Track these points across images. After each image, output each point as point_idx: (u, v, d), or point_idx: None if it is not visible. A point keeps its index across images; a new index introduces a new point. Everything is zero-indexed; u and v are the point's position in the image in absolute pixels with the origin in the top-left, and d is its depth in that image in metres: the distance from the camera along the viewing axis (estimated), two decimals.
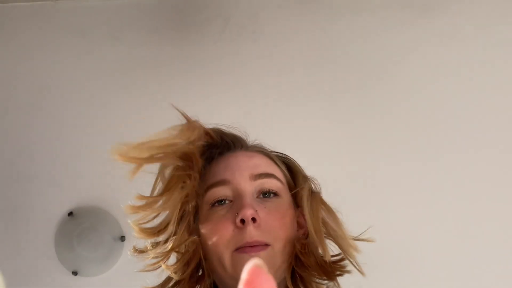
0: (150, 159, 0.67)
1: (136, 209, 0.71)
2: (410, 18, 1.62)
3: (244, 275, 0.29)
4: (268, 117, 1.59)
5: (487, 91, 1.57)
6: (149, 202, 0.72)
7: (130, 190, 1.60)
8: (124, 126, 1.61)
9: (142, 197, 0.72)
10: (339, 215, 0.76)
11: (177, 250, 0.74)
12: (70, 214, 1.57)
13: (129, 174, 0.65)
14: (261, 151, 0.82)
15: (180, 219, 0.75)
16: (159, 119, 1.63)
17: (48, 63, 1.65)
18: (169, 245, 0.74)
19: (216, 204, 0.75)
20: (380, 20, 1.62)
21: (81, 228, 1.55)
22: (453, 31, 1.61)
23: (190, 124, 0.73)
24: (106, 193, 1.57)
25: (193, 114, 1.58)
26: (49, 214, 1.57)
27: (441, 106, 1.57)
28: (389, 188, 1.53)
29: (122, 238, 1.56)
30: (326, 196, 0.80)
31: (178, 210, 0.74)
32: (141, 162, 0.66)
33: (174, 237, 0.74)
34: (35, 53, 1.66)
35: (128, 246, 1.55)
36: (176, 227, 0.74)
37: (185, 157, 0.72)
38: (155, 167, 0.74)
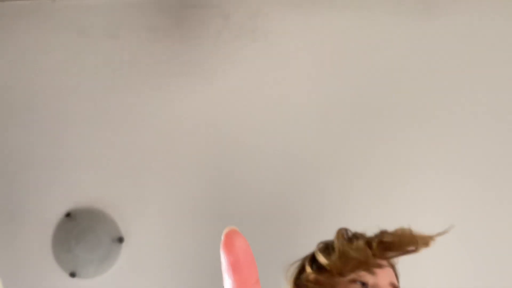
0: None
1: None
2: (412, 18, 1.61)
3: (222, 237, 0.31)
4: (268, 116, 1.58)
5: (488, 90, 1.57)
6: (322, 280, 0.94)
7: (128, 192, 1.59)
8: (123, 125, 1.60)
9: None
10: None
11: None
12: (68, 215, 1.56)
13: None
14: (393, 266, 0.99)
15: None
16: (158, 118, 1.63)
17: (46, 62, 1.64)
18: None
19: (358, 283, 0.91)
20: (381, 19, 1.62)
21: (79, 229, 1.54)
22: (453, 31, 1.60)
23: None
24: (104, 194, 1.57)
25: (192, 113, 1.58)
26: (46, 215, 1.56)
27: (442, 106, 1.57)
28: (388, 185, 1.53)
29: (120, 240, 1.55)
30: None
31: None
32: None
33: None
34: (33, 52, 1.65)
35: (126, 247, 1.55)
36: None
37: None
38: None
